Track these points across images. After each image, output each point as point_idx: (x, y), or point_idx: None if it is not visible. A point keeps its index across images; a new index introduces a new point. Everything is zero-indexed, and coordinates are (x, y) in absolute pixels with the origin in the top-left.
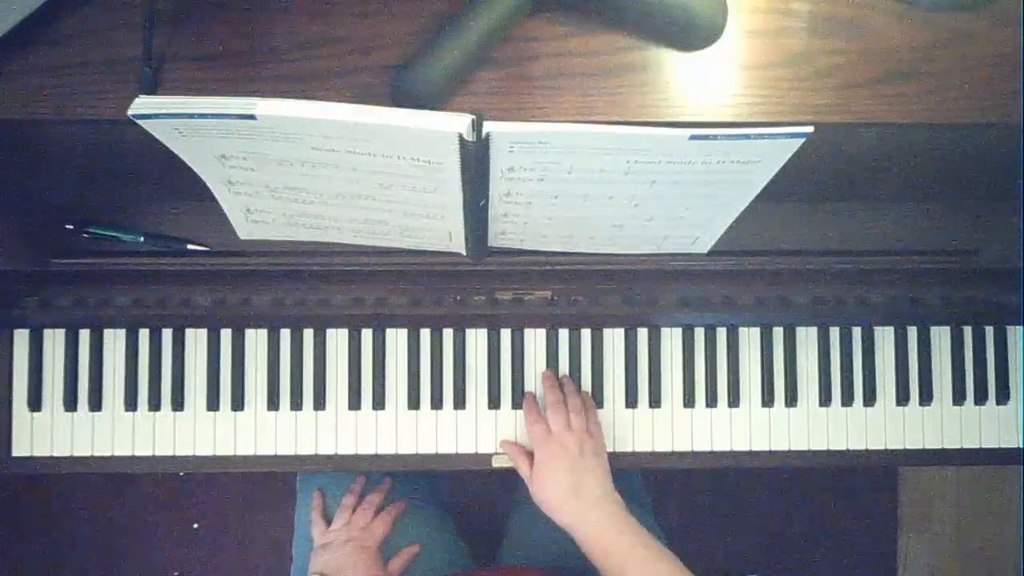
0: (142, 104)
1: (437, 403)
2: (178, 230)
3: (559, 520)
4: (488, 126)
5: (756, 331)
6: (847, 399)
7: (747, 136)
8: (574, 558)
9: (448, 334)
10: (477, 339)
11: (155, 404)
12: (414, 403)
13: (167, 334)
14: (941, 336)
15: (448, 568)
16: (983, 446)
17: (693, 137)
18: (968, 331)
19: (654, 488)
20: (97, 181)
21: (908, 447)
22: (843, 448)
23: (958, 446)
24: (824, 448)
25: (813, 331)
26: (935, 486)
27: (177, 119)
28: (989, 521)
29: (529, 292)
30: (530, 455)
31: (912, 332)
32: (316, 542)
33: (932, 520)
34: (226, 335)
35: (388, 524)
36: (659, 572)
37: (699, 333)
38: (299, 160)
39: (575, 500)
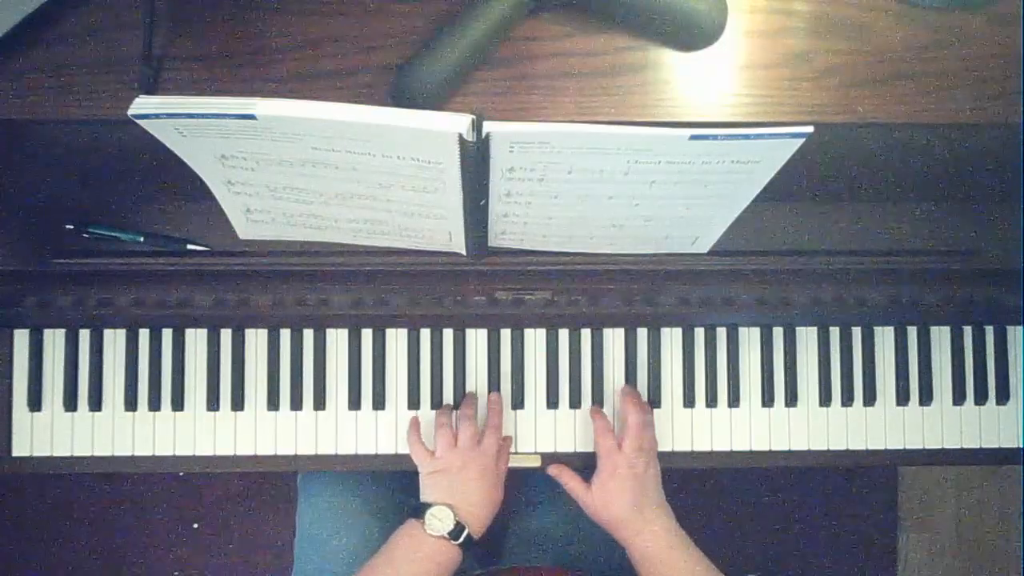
0: (142, 104)
1: (437, 403)
2: (178, 230)
3: (617, 534)
4: (488, 126)
5: (756, 331)
6: (847, 399)
7: (747, 136)
8: (577, 560)
9: (448, 334)
10: (477, 339)
11: (155, 404)
12: (414, 403)
13: (167, 334)
14: (941, 336)
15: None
16: (983, 446)
17: (693, 137)
18: (968, 331)
19: None
20: (97, 181)
21: (908, 447)
22: (843, 448)
23: (958, 446)
24: (824, 448)
25: (813, 331)
26: (935, 486)
27: (177, 119)
28: (989, 521)
29: (529, 292)
30: (579, 475)
31: (912, 332)
32: (424, 469)
33: (932, 520)
34: (226, 335)
35: (499, 435)
36: None
37: (699, 333)
38: (299, 160)
39: (637, 516)
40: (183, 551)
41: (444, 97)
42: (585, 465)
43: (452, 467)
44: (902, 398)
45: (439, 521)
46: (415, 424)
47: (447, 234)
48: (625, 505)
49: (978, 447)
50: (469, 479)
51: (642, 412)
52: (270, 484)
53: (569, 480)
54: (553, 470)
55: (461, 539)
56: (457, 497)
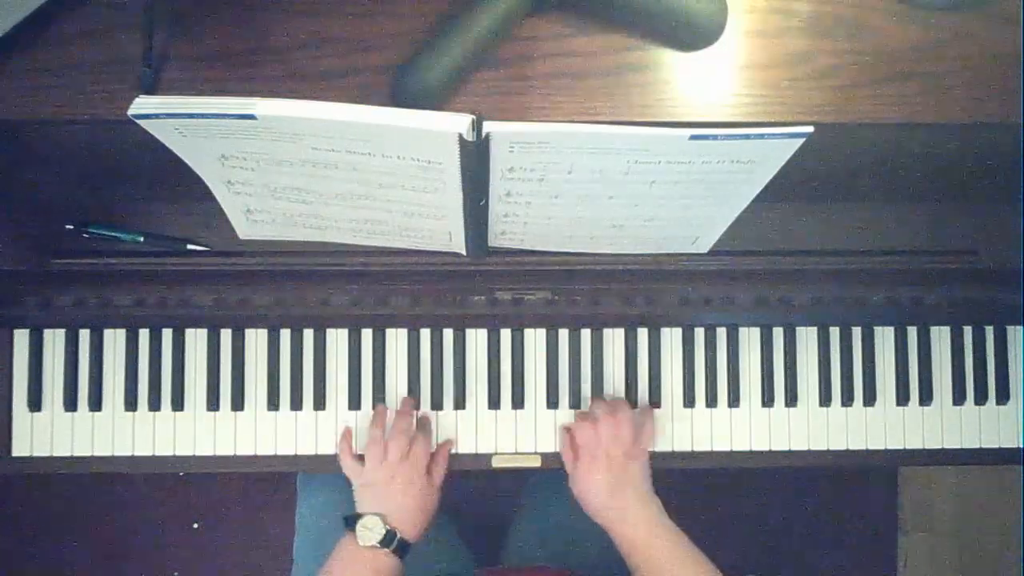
0: (142, 104)
1: (437, 403)
2: (178, 230)
3: (598, 521)
4: (488, 126)
5: (756, 331)
6: (847, 399)
7: (747, 136)
8: (576, 560)
9: (448, 334)
10: (477, 339)
11: (155, 404)
12: (416, 404)
13: (167, 334)
14: (941, 336)
15: (450, 570)
16: (983, 446)
17: (693, 137)
18: (968, 331)
19: (654, 487)
20: (97, 181)
21: (908, 447)
22: (843, 448)
23: (958, 446)
24: (824, 448)
25: (813, 331)
26: (935, 486)
27: (177, 119)
28: (989, 521)
29: (529, 292)
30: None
31: (912, 332)
32: (354, 483)
33: (932, 520)
34: (226, 335)
35: (428, 445)
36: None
37: (699, 333)
38: (299, 160)
39: (614, 503)
40: (183, 551)
41: (444, 97)
42: None
43: (380, 480)
44: (902, 398)
45: (369, 531)
46: (347, 436)
47: (447, 234)
48: (600, 492)
49: (978, 447)
50: (397, 491)
51: (604, 403)
52: (270, 484)
53: (566, 449)
54: (563, 430)
55: (393, 546)
56: (387, 506)
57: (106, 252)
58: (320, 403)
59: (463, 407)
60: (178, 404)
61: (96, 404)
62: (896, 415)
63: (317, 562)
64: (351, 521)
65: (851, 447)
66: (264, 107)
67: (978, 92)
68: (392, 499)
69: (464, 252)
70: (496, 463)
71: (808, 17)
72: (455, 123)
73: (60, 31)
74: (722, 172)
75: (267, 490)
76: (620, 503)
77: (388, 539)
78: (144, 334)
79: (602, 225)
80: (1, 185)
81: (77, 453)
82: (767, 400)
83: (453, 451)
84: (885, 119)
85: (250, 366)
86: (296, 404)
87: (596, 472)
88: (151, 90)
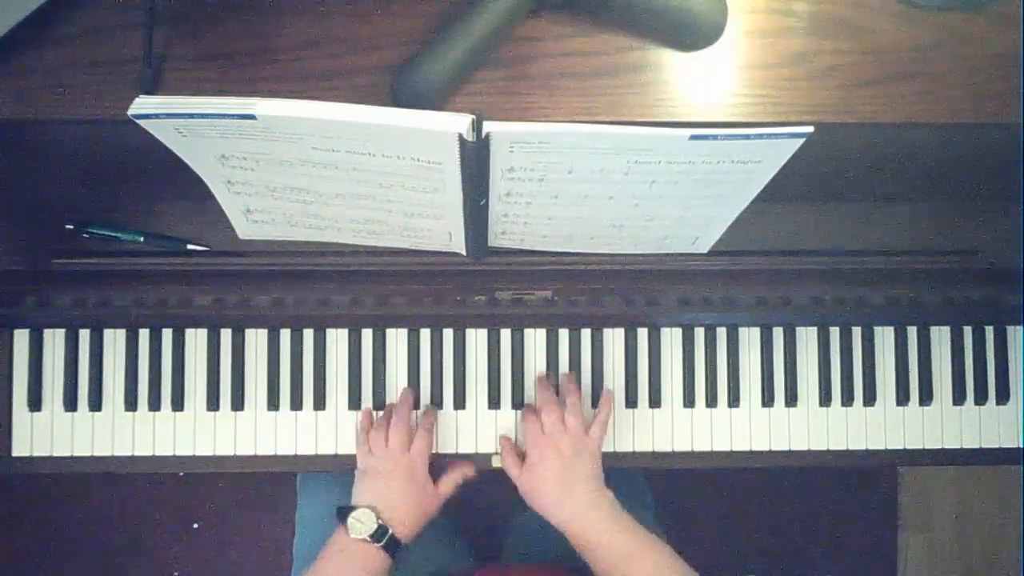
0: (142, 104)
1: (437, 403)
2: (178, 230)
3: (550, 519)
4: (488, 126)
5: (756, 331)
6: (847, 399)
7: (747, 136)
8: (576, 559)
9: (448, 334)
10: (477, 339)
11: (155, 404)
12: (415, 403)
13: (167, 334)
14: (941, 336)
15: (450, 568)
16: (983, 446)
17: (693, 137)
18: (968, 331)
19: (654, 487)
20: (97, 181)
21: (908, 447)
22: (843, 448)
23: (958, 446)
24: (824, 448)
25: (813, 331)
26: (935, 486)
27: (177, 119)
28: (989, 521)
29: (529, 292)
30: (522, 455)
31: (912, 332)
32: (359, 465)
33: (932, 520)
34: (226, 335)
35: (428, 439)
36: (651, 566)
37: (699, 333)
38: (299, 160)
39: (566, 500)
40: (183, 551)
41: (444, 97)
42: None
43: (382, 469)
44: (902, 398)
45: (361, 524)
46: (367, 415)
47: (447, 234)
48: (549, 488)
49: (978, 447)
50: (396, 485)
51: (547, 390)
52: (270, 484)
53: (507, 455)
54: (502, 440)
55: (384, 542)
56: (382, 500)
57: (106, 252)
58: (320, 403)
59: (463, 407)
60: (178, 404)
61: (96, 404)
62: (896, 415)
63: None
64: (344, 513)
65: (851, 447)
66: (264, 107)
67: (978, 92)
68: (390, 493)
69: (464, 252)
70: (496, 463)
71: (808, 17)
72: (455, 123)
73: (60, 31)
74: (722, 172)
75: (267, 490)
76: (570, 499)
77: (379, 534)
78: (144, 334)
79: (602, 225)
80: (1, 185)
81: (77, 453)
82: (767, 400)
83: (453, 451)
84: (885, 119)
85: (250, 366)
86: (296, 404)
87: (543, 467)
88: (151, 90)
